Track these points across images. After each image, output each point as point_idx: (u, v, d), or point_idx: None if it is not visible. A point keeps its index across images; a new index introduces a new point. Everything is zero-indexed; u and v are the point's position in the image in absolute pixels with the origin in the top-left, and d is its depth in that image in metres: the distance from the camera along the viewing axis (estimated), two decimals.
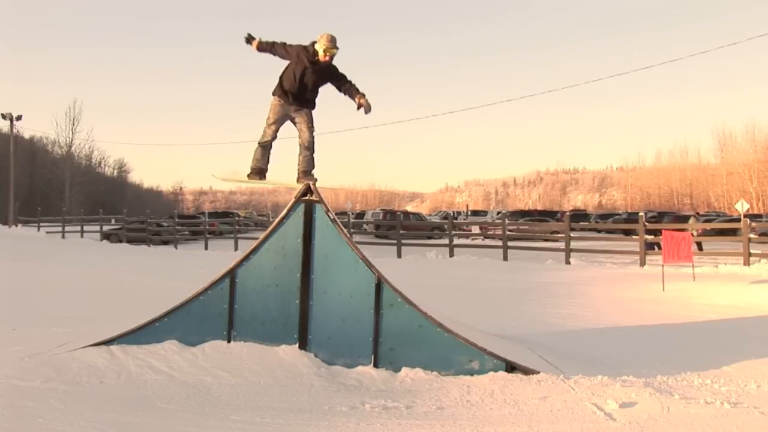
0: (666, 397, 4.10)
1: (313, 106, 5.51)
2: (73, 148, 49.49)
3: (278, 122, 5.48)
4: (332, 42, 5.13)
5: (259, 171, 5.56)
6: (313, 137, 5.48)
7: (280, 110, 5.42)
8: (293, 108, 5.42)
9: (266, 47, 5.36)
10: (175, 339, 5.20)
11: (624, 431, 3.55)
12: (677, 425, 3.60)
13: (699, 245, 17.74)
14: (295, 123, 5.51)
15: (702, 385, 4.52)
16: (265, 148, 5.55)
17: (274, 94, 5.45)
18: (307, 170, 5.46)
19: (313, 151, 5.49)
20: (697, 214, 20.78)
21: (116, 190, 59.17)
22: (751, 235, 14.59)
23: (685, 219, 31.09)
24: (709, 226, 18.78)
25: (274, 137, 5.53)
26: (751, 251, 13.94)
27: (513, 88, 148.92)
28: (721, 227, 19.60)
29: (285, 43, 5.34)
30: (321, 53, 5.15)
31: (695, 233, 18.34)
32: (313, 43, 5.20)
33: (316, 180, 5.40)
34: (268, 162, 5.58)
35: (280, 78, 5.40)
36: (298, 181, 5.44)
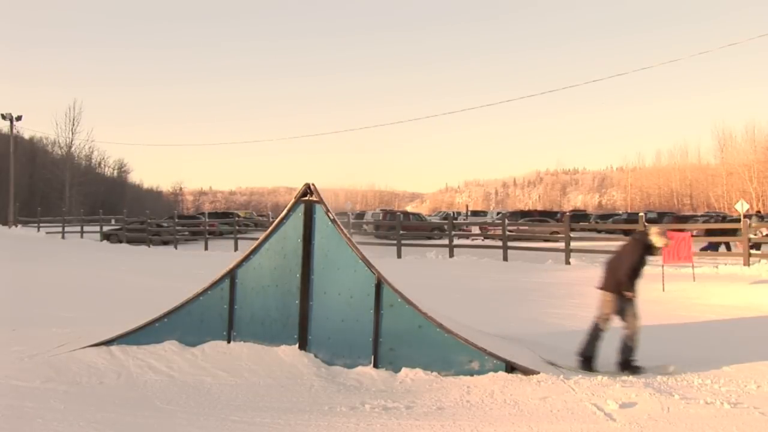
0: (666, 397, 4.10)
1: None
2: (73, 149, 49.41)
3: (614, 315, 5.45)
4: (666, 236, 5.54)
5: (588, 360, 5.39)
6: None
7: (617, 304, 5.41)
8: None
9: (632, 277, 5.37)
10: (175, 339, 5.21)
11: (624, 431, 3.55)
12: (677, 425, 3.60)
13: (758, 247, 15.46)
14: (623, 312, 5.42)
15: (702, 385, 4.52)
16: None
17: (605, 288, 5.46)
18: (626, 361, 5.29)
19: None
20: (759, 212, 18.72)
21: (116, 190, 59.09)
22: (751, 236, 14.54)
23: (685, 219, 31.11)
24: None
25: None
26: (751, 251, 13.92)
27: (513, 89, 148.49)
28: (721, 227, 19.47)
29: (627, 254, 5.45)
30: (658, 245, 5.41)
31: (761, 233, 16.54)
32: (644, 234, 5.49)
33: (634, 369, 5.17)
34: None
35: (617, 275, 5.37)
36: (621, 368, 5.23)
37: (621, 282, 5.29)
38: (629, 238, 5.65)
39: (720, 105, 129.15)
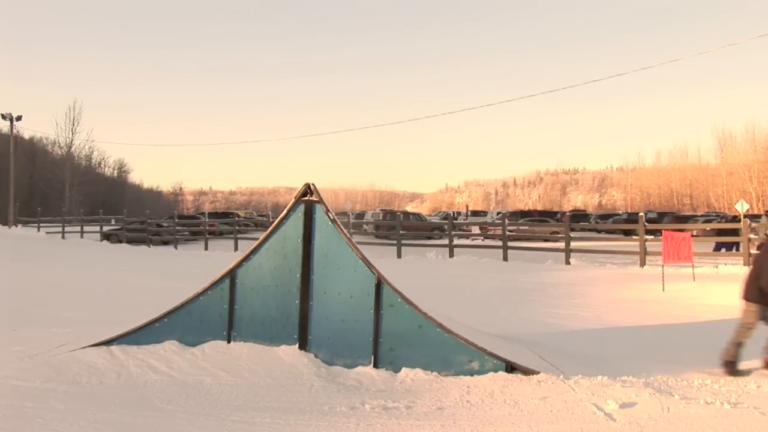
0: (666, 397, 4.10)
1: None
2: (73, 149, 49.41)
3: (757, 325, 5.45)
4: None
5: (731, 365, 5.41)
6: None
7: (760, 313, 5.41)
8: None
9: None
10: (175, 339, 5.21)
11: (624, 431, 3.55)
12: (677, 425, 3.60)
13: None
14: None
15: (702, 385, 4.52)
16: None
17: (748, 299, 5.42)
18: None
19: None
20: (767, 212, 18.69)
21: (116, 190, 59.10)
22: (751, 236, 14.53)
23: (685, 219, 31.08)
24: None
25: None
26: (751, 251, 13.91)
27: (513, 89, 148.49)
28: (721, 227, 19.45)
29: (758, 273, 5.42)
30: None
31: None
32: None
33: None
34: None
35: (759, 284, 5.36)
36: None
37: (765, 291, 5.33)
38: (762, 247, 5.63)
39: (720, 105, 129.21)
